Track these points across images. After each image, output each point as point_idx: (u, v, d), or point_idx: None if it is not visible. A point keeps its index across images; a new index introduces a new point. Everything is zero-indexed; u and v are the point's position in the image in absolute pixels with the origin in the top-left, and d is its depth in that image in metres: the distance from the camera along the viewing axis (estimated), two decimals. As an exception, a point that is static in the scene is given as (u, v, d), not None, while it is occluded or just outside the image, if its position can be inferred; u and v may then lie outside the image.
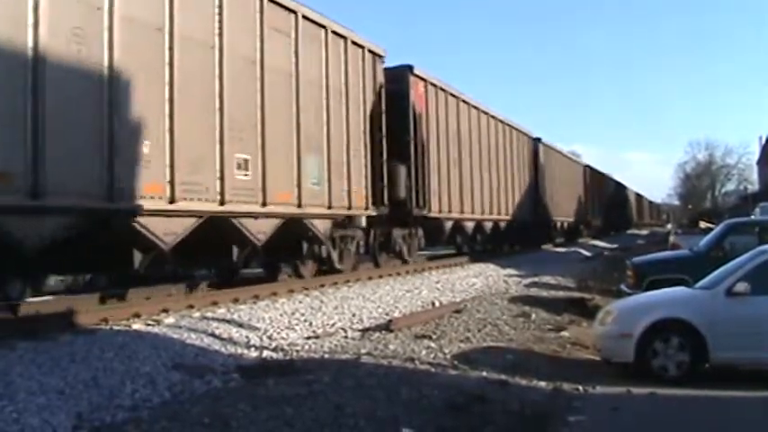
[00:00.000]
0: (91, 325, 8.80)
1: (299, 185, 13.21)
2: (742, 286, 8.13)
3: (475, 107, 23.96)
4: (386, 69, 17.33)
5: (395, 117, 17.45)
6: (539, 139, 33.60)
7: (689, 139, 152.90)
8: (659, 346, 8.13)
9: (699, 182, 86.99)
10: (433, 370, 7.95)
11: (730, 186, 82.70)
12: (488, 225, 25.10)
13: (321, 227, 14.17)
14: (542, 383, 7.72)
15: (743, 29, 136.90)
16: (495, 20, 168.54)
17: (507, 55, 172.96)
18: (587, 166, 48.07)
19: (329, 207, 14.33)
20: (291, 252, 14.22)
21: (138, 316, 9.55)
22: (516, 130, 29.32)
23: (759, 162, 66.72)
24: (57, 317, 8.99)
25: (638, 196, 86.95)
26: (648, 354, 8.13)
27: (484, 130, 24.90)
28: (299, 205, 13.24)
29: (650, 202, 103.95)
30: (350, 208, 15.25)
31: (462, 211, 21.96)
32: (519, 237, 29.91)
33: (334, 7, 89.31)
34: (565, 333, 10.99)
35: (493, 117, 26.02)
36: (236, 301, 11.39)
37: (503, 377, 7.74)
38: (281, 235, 12.73)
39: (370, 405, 6.26)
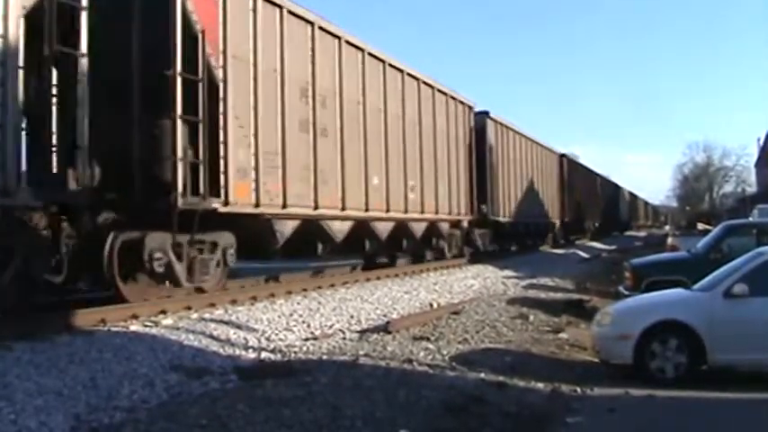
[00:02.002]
0: (89, 326, 8.77)
1: None
2: (740, 288, 8.15)
3: (357, 47, 15.49)
4: None
5: (145, 34, 10.52)
6: (485, 113, 24.58)
7: (687, 141, 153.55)
8: (657, 347, 8.15)
9: (697, 184, 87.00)
10: (431, 371, 7.95)
11: (728, 188, 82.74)
12: (385, 227, 16.81)
13: None
14: (540, 385, 7.73)
15: (742, 31, 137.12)
16: (491, 17, 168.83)
17: (504, 54, 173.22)
18: (564, 155, 39.16)
19: None
20: None
21: (135, 317, 9.53)
22: (443, 93, 20.64)
23: (757, 164, 66.81)
24: (54, 318, 8.96)
25: (633, 196, 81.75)
26: (647, 355, 8.15)
27: (377, 85, 16.35)
28: None
29: (646, 203, 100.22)
30: None
31: (318, 206, 13.71)
32: (449, 244, 21.97)
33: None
34: (563, 335, 11.00)
35: (396, 68, 17.39)
36: (234, 302, 11.38)
37: (501, 379, 7.75)
38: None
39: (369, 406, 6.26)
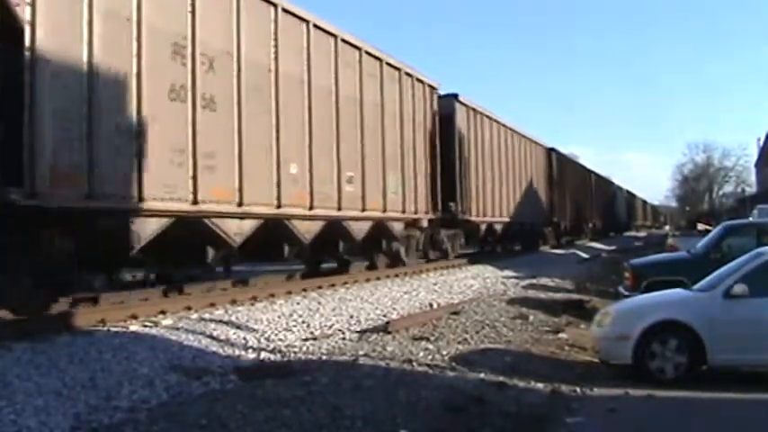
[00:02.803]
0: (88, 326, 8.79)
1: None
2: (740, 288, 8.14)
3: (267, 0, 12.41)
4: None
5: None
6: (453, 96, 21.34)
7: (687, 141, 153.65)
8: (657, 347, 8.15)
9: (696, 184, 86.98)
10: (430, 371, 7.95)
11: (728, 188, 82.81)
12: (309, 228, 13.51)
13: None
14: (540, 385, 7.73)
15: (743, 31, 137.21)
16: (491, 17, 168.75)
17: (504, 55, 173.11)
18: (553, 149, 35.27)
19: None
20: None
21: (135, 317, 9.54)
22: (394, 67, 17.22)
23: (757, 164, 66.86)
24: (54, 318, 8.97)
25: (631, 195, 78.24)
26: (646, 355, 8.15)
27: (297, 50, 13.18)
28: None
29: (645, 203, 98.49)
30: None
31: (200, 200, 10.51)
32: (407, 247, 18.63)
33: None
34: (563, 335, 11.00)
35: (327, 32, 14.25)
36: (233, 302, 11.39)
37: (501, 379, 7.74)
38: None
39: (368, 406, 6.26)
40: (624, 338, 8.26)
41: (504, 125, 26.49)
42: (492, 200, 24.48)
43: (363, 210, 15.54)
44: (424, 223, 19.09)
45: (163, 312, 10.01)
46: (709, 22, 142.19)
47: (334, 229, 14.63)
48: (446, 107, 20.70)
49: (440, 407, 6.48)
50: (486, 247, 26.98)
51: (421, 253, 19.94)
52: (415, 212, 18.28)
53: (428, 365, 8.19)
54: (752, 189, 67.55)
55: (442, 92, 20.62)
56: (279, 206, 12.54)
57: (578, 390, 7.66)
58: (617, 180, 67.45)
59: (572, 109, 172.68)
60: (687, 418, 6.83)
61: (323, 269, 16.89)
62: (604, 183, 56.06)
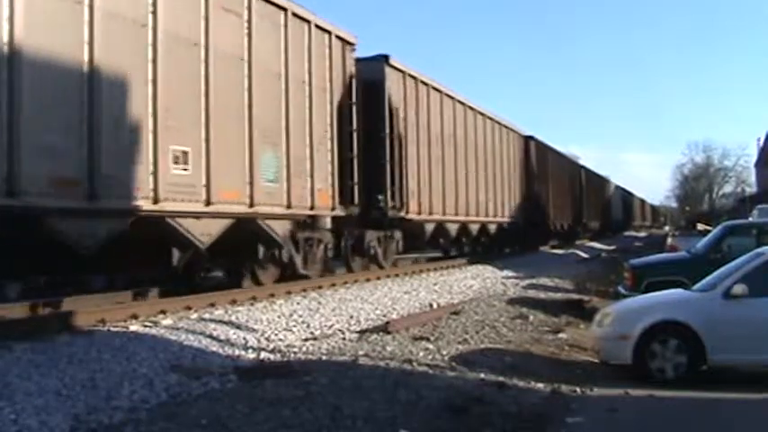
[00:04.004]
0: (88, 326, 8.79)
1: None
2: (740, 288, 8.15)
3: None
4: None
5: None
6: (383, 57, 16.74)
7: (687, 141, 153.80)
8: (657, 348, 8.16)
9: (696, 184, 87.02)
10: (430, 371, 7.94)
11: (728, 188, 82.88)
12: (91, 231, 8.86)
13: None
14: (540, 385, 7.73)
15: (742, 31, 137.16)
16: (492, 16, 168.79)
17: (503, 53, 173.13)
18: (531, 138, 30.35)
19: None
20: None
21: (135, 317, 9.54)
22: (274, 4, 12.58)
23: (757, 164, 66.89)
24: (54, 318, 8.97)
25: (628, 194, 75.02)
26: (646, 356, 8.16)
27: None
28: None
29: (643, 202, 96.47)
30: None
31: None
32: (306, 254, 13.97)
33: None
34: (563, 335, 11.01)
35: None
36: (233, 302, 11.38)
37: (501, 379, 7.74)
38: None
39: (368, 406, 6.26)
40: (624, 338, 8.27)
41: (461, 101, 21.40)
42: (444, 194, 19.92)
43: (209, 203, 10.76)
44: (327, 222, 14.36)
45: (163, 312, 10.01)
46: (710, 21, 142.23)
47: (156, 232, 10.13)
48: (372, 72, 16.29)
49: (440, 407, 6.48)
50: (443, 251, 23.19)
51: (343, 261, 16.03)
52: (312, 207, 13.66)
53: (428, 365, 8.19)
54: (752, 189, 67.60)
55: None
56: (11, 192, 7.86)
57: (578, 390, 7.66)
58: (617, 180, 66.84)
59: (572, 109, 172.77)
60: (687, 418, 6.83)
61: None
62: (598, 180, 52.07)
